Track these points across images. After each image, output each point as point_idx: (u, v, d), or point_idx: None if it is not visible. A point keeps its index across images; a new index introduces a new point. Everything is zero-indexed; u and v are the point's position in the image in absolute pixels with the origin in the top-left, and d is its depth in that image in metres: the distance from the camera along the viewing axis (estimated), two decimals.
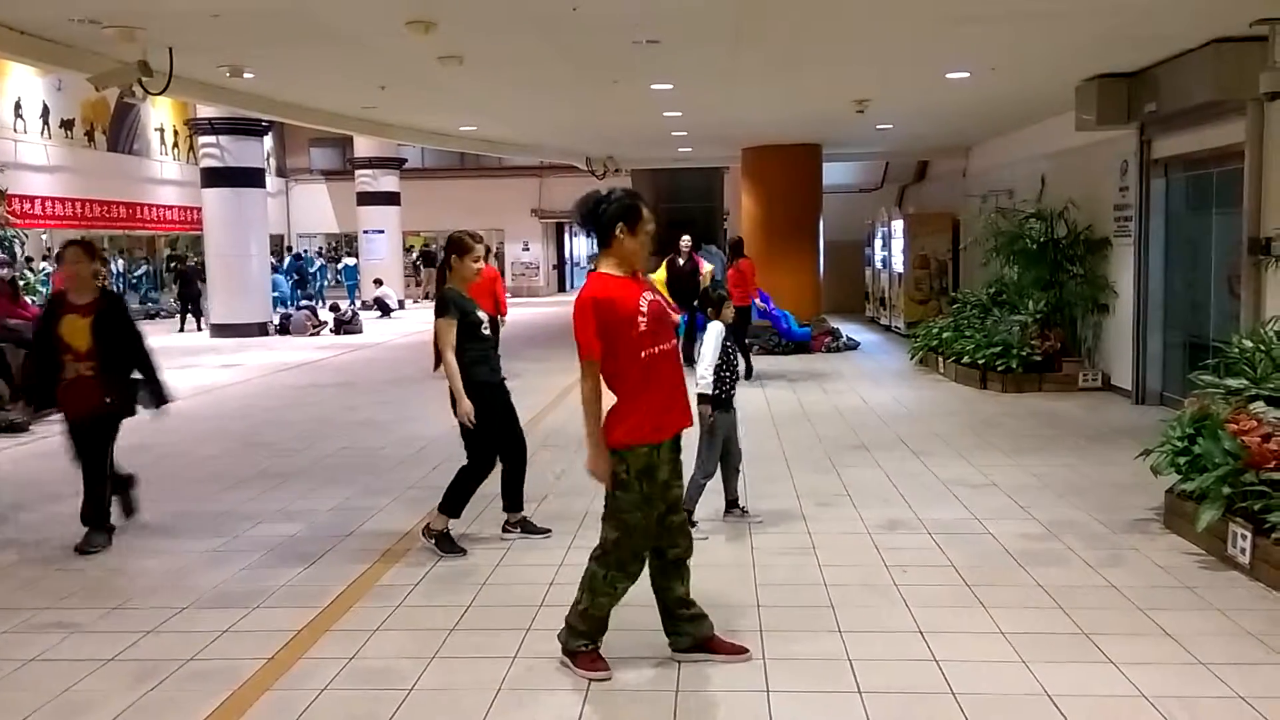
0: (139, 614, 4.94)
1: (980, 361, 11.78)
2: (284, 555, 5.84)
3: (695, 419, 4.29)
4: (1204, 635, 4.46)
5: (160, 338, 20.35)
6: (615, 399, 4.04)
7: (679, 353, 4.19)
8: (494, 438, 5.82)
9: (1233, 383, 6.37)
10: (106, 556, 5.89)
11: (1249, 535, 5.17)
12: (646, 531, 4.07)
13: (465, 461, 5.83)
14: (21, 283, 12.26)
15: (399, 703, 3.92)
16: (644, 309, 4.01)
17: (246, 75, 9.58)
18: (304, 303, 25.07)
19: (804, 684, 4.02)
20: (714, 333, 6.03)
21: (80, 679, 4.18)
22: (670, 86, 10.87)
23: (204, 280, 21.32)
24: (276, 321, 20.95)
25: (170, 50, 8.18)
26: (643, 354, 4.00)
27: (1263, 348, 6.54)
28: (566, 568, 5.49)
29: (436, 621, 4.75)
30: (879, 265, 19.95)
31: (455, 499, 5.80)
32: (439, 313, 5.79)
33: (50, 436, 9.69)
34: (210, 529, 6.43)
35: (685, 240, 13.06)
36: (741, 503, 6.37)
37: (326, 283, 30.81)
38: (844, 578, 5.29)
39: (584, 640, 4.15)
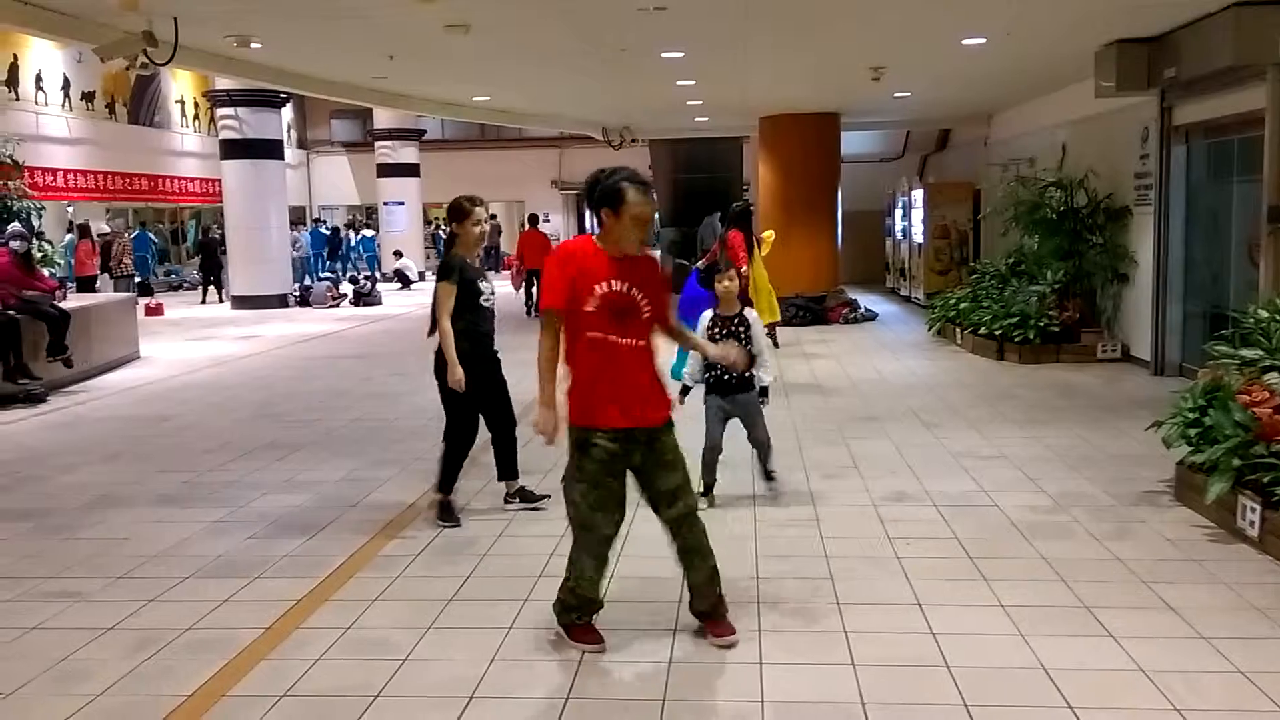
0: (142, 583, 4.98)
1: (997, 332, 11.66)
2: (288, 526, 5.86)
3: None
4: (1208, 609, 4.40)
5: (182, 309, 20.54)
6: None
7: (649, 351, 4.08)
8: (474, 408, 5.79)
9: (1247, 353, 6.25)
10: (114, 526, 5.93)
11: (1258, 508, 5.09)
12: (591, 507, 4.03)
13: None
14: (39, 255, 12.30)
15: (392, 673, 3.92)
16: (600, 292, 3.92)
17: (254, 45, 9.55)
18: (325, 274, 25.16)
19: (798, 656, 4.00)
20: (701, 323, 5.89)
21: (79, 648, 4.21)
22: (681, 55, 10.74)
23: (225, 252, 21.44)
24: (297, 293, 21.04)
25: (175, 20, 8.15)
26: (588, 334, 3.94)
27: (1278, 318, 6.41)
28: (568, 538, 5.47)
29: (435, 592, 4.76)
30: (899, 235, 19.77)
31: (446, 475, 5.82)
32: (441, 276, 5.70)
33: (66, 408, 9.81)
34: (217, 499, 6.47)
35: None
36: (771, 466, 6.20)
37: (354, 255, 30.71)
38: (845, 550, 5.25)
39: (575, 613, 4.14)
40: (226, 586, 4.88)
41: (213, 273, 22.48)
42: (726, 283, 5.90)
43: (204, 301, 22.07)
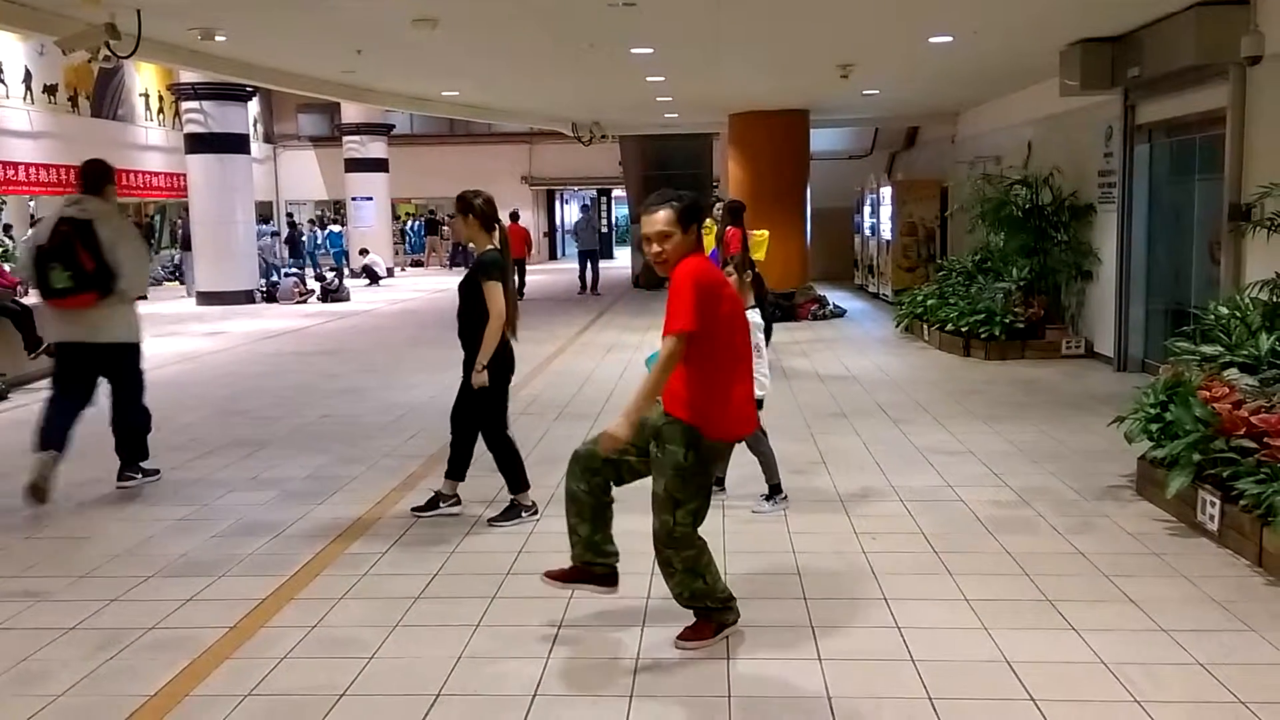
0: (104, 582, 4.92)
1: (964, 329, 11.76)
2: (253, 524, 5.81)
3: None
4: (1168, 602, 4.46)
5: (144, 305, 20.29)
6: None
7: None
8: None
9: (1208, 349, 6.36)
10: (77, 524, 5.86)
11: (1218, 502, 5.16)
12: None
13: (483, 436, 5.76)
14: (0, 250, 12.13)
15: (358, 671, 3.90)
16: None
17: (219, 38, 9.44)
18: (291, 270, 24.96)
19: (764, 651, 4.02)
20: None
21: (40, 648, 4.16)
22: (650, 51, 10.74)
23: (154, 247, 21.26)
24: (263, 289, 20.86)
25: (138, 12, 8.06)
26: None
27: (1238, 314, 6.52)
28: (537, 536, 5.49)
29: (402, 590, 4.74)
30: (868, 232, 19.87)
31: (514, 474, 5.77)
32: (490, 276, 5.50)
33: (28, 405, 9.67)
34: (181, 497, 6.40)
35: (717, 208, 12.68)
36: (773, 481, 6.06)
37: (319, 250, 30.47)
38: (813, 545, 5.28)
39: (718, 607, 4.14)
40: (190, 585, 4.84)
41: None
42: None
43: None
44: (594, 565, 4.18)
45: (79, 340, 6.28)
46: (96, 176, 6.38)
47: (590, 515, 4.13)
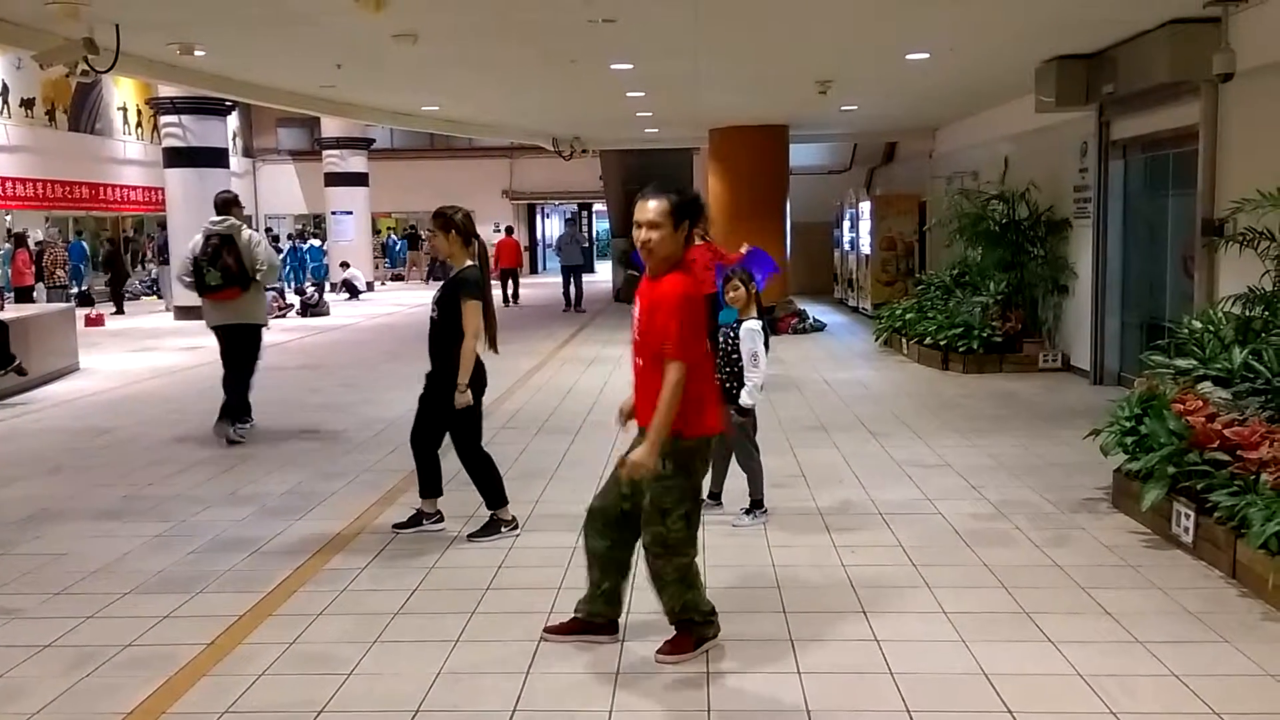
0: (80, 599, 4.89)
1: (942, 343, 11.83)
2: (231, 540, 5.78)
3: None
4: (1144, 614, 4.50)
5: (118, 321, 20.18)
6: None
7: (650, 372, 4.01)
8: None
9: (1182, 363, 6.43)
10: (52, 541, 5.81)
11: (1192, 514, 5.21)
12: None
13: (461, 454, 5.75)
14: None
15: (336, 687, 3.89)
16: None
17: (198, 53, 9.42)
18: (270, 285, 24.82)
19: (744, 665, 4.02)
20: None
21: (14, 665, 4.12)
22: (630, 67, 10.79)
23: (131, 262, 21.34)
24: None
25: (117, 27, 8.04)
26: None
27: (1211, 328, 6.60)
28: (516, 551, 5.49)
29: (381, 605, 4.72)
30: (847, 247, 19.98)
31: (492, 489, 5.74)
32: (471, 294, 5.49)
33: (3, 420, 9.60)
34: (159, 513, 6.36)
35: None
36: (754, 496, 6.04)
37: (299, 265, 30.30)
38: (792, 559, 5.30)
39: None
40: (167, 602, 4.81)
41: (116, 284, 22.22)
42: (731, 293, 5.83)
43: (120, 310, 21.74)
44: (596, 617, 4.24)
45: (232, 323, 8.34)
46: (229, 203, 8.42)
47: (615, 569, 4.21)
